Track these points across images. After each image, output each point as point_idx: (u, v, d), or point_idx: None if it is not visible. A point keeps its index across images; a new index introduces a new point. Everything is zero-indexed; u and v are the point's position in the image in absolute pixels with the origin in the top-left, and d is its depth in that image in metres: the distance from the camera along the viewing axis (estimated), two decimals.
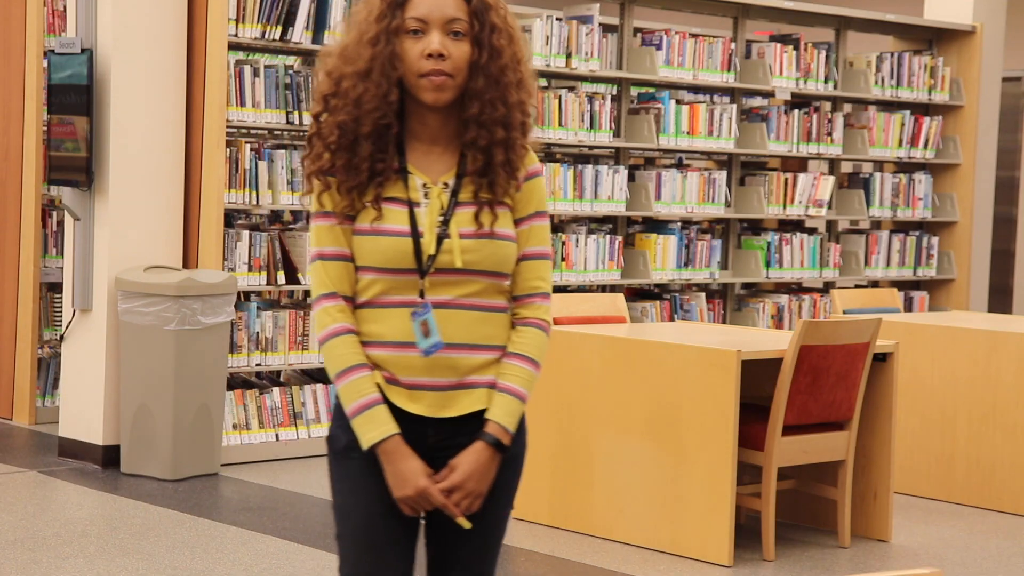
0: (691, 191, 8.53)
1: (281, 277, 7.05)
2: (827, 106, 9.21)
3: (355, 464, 2.70)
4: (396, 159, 2.68)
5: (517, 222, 2.73)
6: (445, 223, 2.66)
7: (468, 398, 2.70)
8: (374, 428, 2.64)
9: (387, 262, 2.65)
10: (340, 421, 2.72)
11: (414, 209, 2.66)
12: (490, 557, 2.79)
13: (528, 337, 2.73)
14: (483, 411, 2.70)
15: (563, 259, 7.96)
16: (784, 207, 8.96)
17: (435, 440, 2.70)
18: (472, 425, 2.70)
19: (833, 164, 9.42)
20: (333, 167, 2.67)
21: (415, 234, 2.65)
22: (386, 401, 2.68)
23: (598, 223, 8.41)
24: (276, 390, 7.07)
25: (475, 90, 2.66)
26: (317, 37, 7.12)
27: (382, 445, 2.64)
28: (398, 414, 2.68)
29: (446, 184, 2.69)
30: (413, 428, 2.69)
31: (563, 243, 8.00)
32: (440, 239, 2.65)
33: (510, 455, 2.74)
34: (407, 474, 2.64)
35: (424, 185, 2.69)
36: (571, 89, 8.17)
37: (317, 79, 2.75)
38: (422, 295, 2.66)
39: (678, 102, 8.52)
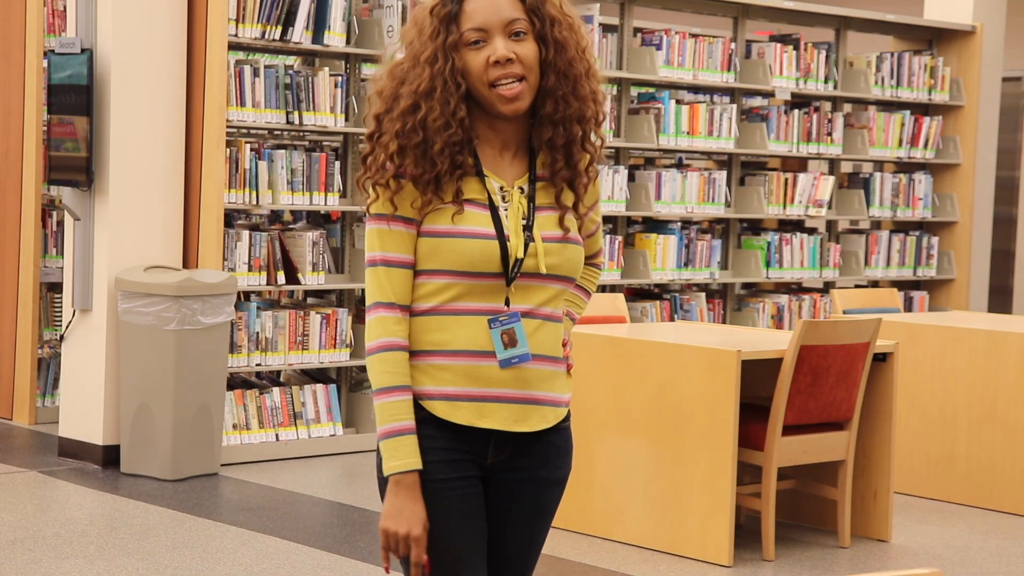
0: (691, 191, 8.53)
1: (281, 277, 7.04)
2: (827, 106, 9.21)
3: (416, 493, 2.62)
4: (471, 161, 2.61)
5: (583, 214, 2.77)
6: (527, 227, 2.61)
7: (536, 415, 2.64)
8: (399, 457, 2.56)
9: (471, 265, 2.56)
10: None
11: (498, 211, 2.60)
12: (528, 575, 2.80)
13: (594, 277, 2.91)
14: (544, 431, 2.67)
15: None
16: (784, 207, 8.96)
17: (494, 460, 2.65)
18: (533, 447, 2.67)
19: (833, 164, 9.42)
20: (401, 168, 2.57)
21: (501, 237, 2.58)
22: (441, 426, 2.61)
23: None
24: (276, 390, 7.07)
25: (547, 88, 2.59)
26: (317, 37, 7.12)
27: (401, 477, 2.57)
28: (456, 433, 2.62)
29: (522, 188, 2.64)
30: (472, 448, 2.63)
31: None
32: (527, 242, 2.59)
33: (561, 478, 2.73)
34: (409, 514, 2.57)
35: (501, 188, 2.63)
36: None
37: (369, 103, 2.67)
38: (507, 303, 2.60)
39: (678, 102, 8.52)
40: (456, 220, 2.57)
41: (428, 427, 2.61)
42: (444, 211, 2.58)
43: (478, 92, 2.58)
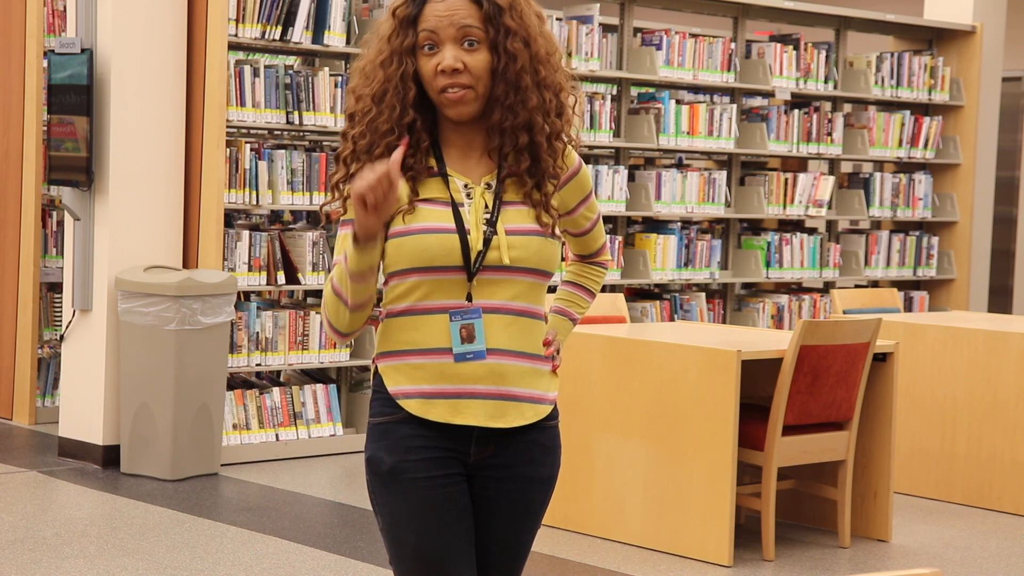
0: (691, 191, 8.53)
1: (281, 277, 7.04)
2: (827, 106, 9.21)
3: (402, 487, 2.64)
4: (434, 163, 2.65)
5: (570, 211, 2.78)
6: (490, 222, 2.63)
7: (513, 411, 2.65)
8: (345, 247, 2.57)
9: (432, 260, 2.60)
10: (379, 442, 2.66)
11: (458, 207, 2.63)
12: (516, 575, 2.79)
13: (596, 276, 2.97)
14: (526, 426, 2.67)
15: (563, 259, 7.95)
16: (784, 207, 8.96)
17: (477, 458, 2.67)
18: (516, 445, 2.68)
19: (833, 164, 9.42)
20: (356, 173, 2.62)
21: (461, 231, 2.61)
22: (422, 423, 2.63)
23: None
24: (276, 390, 7.07)
25: (495, 97, 2.62)
26: (317, 37, 7.12)
27: (355, 235, 2.54)
28: (438, 430, 2.63)
29: (488, 185, 2.66)
30: (454, 445, 2.64)
31: (563, 243, 7.99)
32: (487, 236, 2.62)
33: (546, 477, 2.73)
34: (369, 172, 2.48)
35: (466, 186, 2.66)
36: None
37: (348, 98, 2.73)
38: (469, 298, 2.62)
39: (678, 102, 8.52)
40: (412, 219, 2.62)
41: (409, 425, 2.64)
42: (402, 213, 2.63)
43: (432, 96, 2.64)
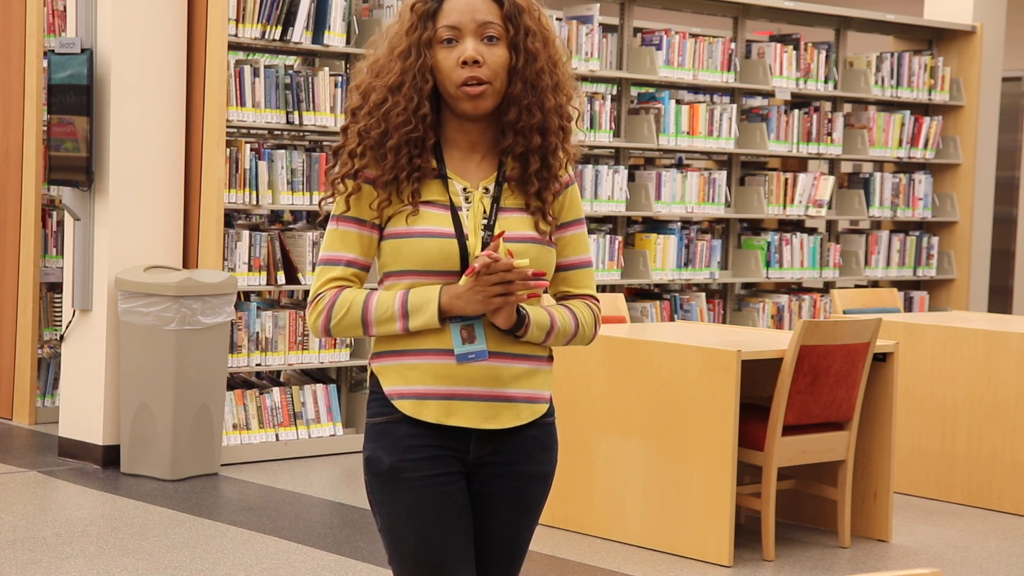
0: (691, 191, 8.53)
1: (281, 277, 7.04)
2: (827, 106, 9.21)
3: (401, 486, 2.64)
4: (435, 164, 2.66)
5: (563, 227, 2.74)
6: (488, 227, 2.64)
7: (509, 412, 2.66)
8: (422, 316, 2.59)
9: (430, 264, 2.61)
10: (378, 442, 2.66)
11: (457, 212, 2.63)
12: (515, 572, 2.80)
13: (582, 307, 2.75)
14: (524, 426, 2.68)
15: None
16: (784, 207, 8.96)
17: (476, 456, 2.67)
18: (513, 442, 2.68)
19: (833, 164, 9.42)
20: (361, 169, 2.63)
21: (460, 235, 2.62)
22: (420, 423, 2.63)
23: (598, 223, 8.42)
24: (276, 390, 7.07)
25: (513, 95, 2.63)
26: (317, 37, 7.12)
27: (442, 316, 2.59)
28: (435, 430, 2.64)
29: (487, 189, 2.67)
30: (452, 444, 2.65)
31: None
32: (485, 242, 2.62)
33: (544, 474, 2.74)
34: (461, 286, 2.57)
35: (465, 189, 2.66)
36: None
37: (349, 97, 2.74)
38: None
39: (678, 102, 8.52)
40: (413, 221, 2.62)
41: (406, 425, 2.65)
42: (403, 213, 2.64)
43: (445, 90, 2.63)
